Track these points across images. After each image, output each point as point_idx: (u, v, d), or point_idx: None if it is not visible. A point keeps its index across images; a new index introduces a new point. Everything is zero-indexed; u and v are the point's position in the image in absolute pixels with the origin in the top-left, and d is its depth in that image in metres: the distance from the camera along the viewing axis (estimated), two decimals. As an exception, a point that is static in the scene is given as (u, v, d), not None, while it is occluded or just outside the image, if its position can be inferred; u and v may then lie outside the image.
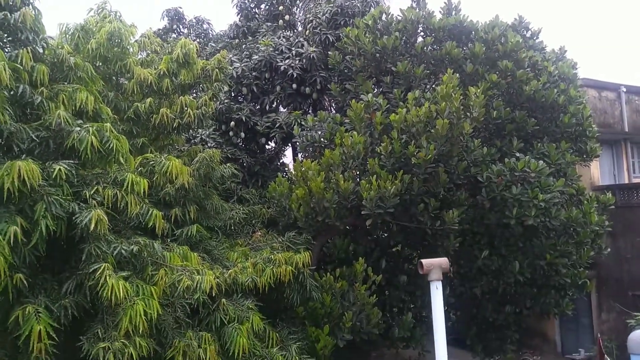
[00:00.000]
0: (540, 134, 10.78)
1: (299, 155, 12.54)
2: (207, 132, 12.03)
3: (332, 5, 12.68)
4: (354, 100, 10.06)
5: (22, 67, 6.40)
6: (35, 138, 6.24)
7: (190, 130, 10.95)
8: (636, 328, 10.27)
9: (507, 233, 10.48)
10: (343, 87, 11.63)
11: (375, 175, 9.05)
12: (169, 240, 7.98)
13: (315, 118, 11.10)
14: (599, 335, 11.89)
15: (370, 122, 9.89)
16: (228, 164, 10.09)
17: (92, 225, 5.93)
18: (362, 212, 9.11)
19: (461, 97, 9.17)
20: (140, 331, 6.04)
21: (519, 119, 10.36)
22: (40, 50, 7.02)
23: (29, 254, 5.70)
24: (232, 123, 12.19)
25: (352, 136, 9.51)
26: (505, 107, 10.31)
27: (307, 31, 13.00)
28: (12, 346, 5.82)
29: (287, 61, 12.24)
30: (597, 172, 15.64)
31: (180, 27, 17.02)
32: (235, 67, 12.23)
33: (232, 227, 9.82)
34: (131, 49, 9.44)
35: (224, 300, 7.43)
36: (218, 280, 7.34)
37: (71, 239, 6.20)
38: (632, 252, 13.90)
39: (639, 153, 18.15)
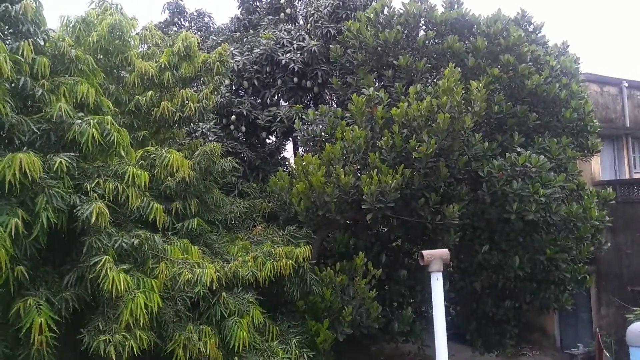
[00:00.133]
0: (542, 129, 10.77)
1: (300, 149, 12.54)
2: (208, 126, 12.02)
3: (333, -2, 12.61)
4: (355, 94, 10.04)
5: (23, 60, 6.38)
6: (36, 130, 6.23)
7: (191, 124, 10.94)
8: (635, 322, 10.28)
9: (507, 228, 10.49)
10: (344, 80, 11.61)
11: (376, 170, 9.04)
12: (169, 233, 8.00)
13: (316, 112, 11.09)
14: (597, 331, 11.91)
15: (372, 116, 9.88)
16: (229, 158, 10.09)
17: (93, 218, 5.93)
18: (363, 207, 9.11)
19: (462, 92, 9.15)
20: (141, 324, 6.05)
21: (520, 114, 10.34)
22: (41, 43, 7.00)
23: (30, 246, 5.71)
24: (233, 117, 12.17)
25: (353, 130, 9.50)
26: (507, 101, 10.30)
27: (309, 24, 12.95)
28: (13, 338, 5.83)
29: (288, 55, 12.20)
30: (598, 167, 15.61)
31: (181, 20, 16.96)
32: (236, 61, 12.20)
33: (233, 221, 9.84)
34: (132, 42, 9.40)
35: (224, 293, 7.45)
36: (218, 273, 7.35)
37: (72, 231, 6.20)
38: (632, 247, 13.90)
39: (640, 148, 18.12)
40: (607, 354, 11.06)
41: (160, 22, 16.35)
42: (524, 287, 11.18)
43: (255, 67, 12.36)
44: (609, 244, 11.82)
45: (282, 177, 10.34)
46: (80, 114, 6.46)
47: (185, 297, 7.16)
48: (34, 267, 6.04)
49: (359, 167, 9.83)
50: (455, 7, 11.24)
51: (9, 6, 6.61)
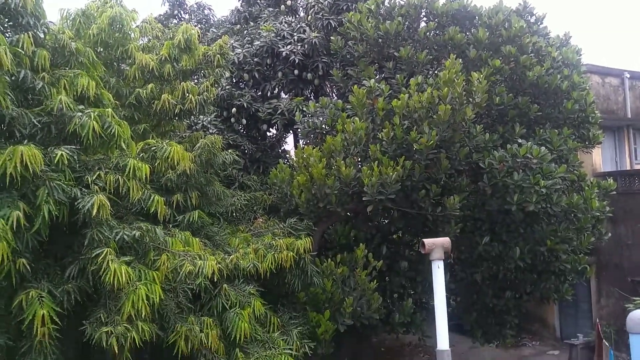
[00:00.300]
0: (543, 120, 10.74)
1: (301, 141, 12.52)
2: (209, 119, 12.00)
3: (334, -11, 12.56)
4: (356, 86, 10.01)
5: (23, 52, 6.38)
6: (36, 123, 6.23)
7: (192, 117, 10.92)
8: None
9: (508, 219, 10.49)
10: (345, 72, 11.58)
11: (376, 162, 9.04)
12: (170, 226, 8.02)
13: (317, 104, 11.06)
14: (597, 321, 11.95)
15: (372, 108, 9.86)
16: (229, 151, 10.09)
17: (95, 211, 5.95)
18: (364, 198, 9.12)
19: (464, 83, 9.13)
20: (143, 316, 6.08)
21: (521, 105, 10.31)
22: (41, 35, 6.99)
23: (32, 239, 5.73)
24: (234, 109, 12.15)
25: (354, 122, 9.49)
26: (508, 92, 10.26)
27: (309, 16, 12.90)
28: (16, 330, 5.87)
29: (288, 47, 12.16)
30: (599, 158, 15.61)
31: (182, 12, 16.92)
32: (236, 53, 12.17)
33: (234, 214, 9.85)
34: (132, 35, 9.38)
35: (225, 285, 7.48)
36: (220, 265, 7.38)
37: (73, 224, 6.23)
38: (633, 238, 13.92)
39: (641, 139, 18.10)
40: (607, 344, 11.08)
41: (160, 15, 16.32)
42: (525, 278, 11.20)
43: (255, 59, 12.32)
44: (610, 235, 11.84)
45: (282, 169, 10.35)
46: (81, 106, 6.47)
47: (187, 288, 7.18)
48: (36, 260, 6.06)
49: (359, 159, 9.82)
50: (457, -2, 11.19)
51: (9, -2, 6.59)
